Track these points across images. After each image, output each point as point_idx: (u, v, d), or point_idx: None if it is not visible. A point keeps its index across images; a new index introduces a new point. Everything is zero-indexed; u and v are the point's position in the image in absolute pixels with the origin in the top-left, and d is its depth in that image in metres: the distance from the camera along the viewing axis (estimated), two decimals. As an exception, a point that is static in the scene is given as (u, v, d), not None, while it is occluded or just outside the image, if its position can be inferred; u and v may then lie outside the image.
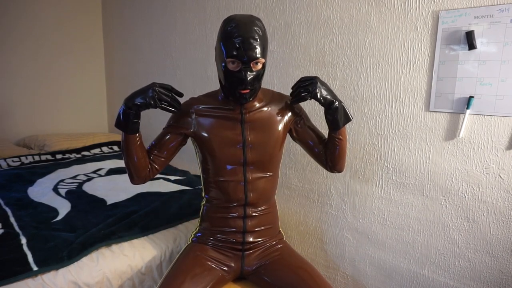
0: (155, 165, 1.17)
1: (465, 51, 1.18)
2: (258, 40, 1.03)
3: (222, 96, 1.18)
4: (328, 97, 1.11)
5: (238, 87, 1.07)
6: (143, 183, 1.18)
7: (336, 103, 1.12)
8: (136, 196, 1.83)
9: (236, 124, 1.17)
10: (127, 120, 1.07)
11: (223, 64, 1.07)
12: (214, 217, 1.25)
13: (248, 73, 1.04)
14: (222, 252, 1.22)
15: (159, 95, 1.05)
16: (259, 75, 1.09)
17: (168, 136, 1.18)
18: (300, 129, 1.23)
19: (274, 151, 1.21)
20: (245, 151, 1.17)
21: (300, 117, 1.23)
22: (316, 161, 1.28)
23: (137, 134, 1.11)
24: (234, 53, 1.02)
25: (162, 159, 1.18)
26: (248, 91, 1.08)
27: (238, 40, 1.01)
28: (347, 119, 1.15)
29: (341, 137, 1.17)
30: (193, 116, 1.18)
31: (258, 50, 1.03)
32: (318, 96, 1.10)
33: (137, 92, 1.07)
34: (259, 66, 1.07)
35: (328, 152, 1.21)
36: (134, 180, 1.17)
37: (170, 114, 1.22)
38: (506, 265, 1.19)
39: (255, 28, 1.04)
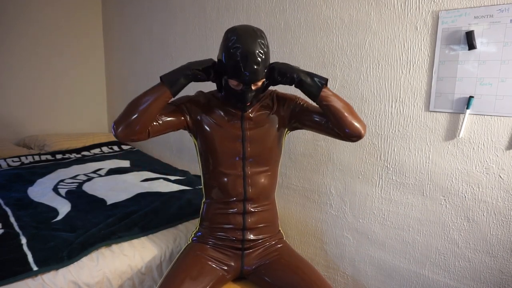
0: (149, 127, 1.12)
1: (465, 51, 1.18)
2: (260, 61, 1.03)
3: (222, 95, 1.20)
4: (285, 76, 1.11)
5: (239, 102, 1.13)
6: (127, 140, 1.13)
7: (295, 76, 1.10)
8: (136, 196, 1.83)
9: (236, 120, 1.20)
10: (182, 79, 1.09)
11: (224, 79, 1.10)
12: (214, 214, 1.25)
13: (249, 93, 1.09)
14: (222, 251, 1.23)
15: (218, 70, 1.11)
16: (258, 91, 1.13)
17: (175, 112, 1.18)
18: (301, 117, 1.21)
19: (272, 145, 1.23)
20: (244, 145, 1.19)
21: (298, 106, 1.22)
22: (332, 137, 1.19)
23: (171, 98, 1.11)
24: (236, 75, 1.05)
25: (158, 126, 1.14)
26: (247, 104, 1.14)
27: (241, 63, 1.01)
28: (320, 84, 1.09)
29: (325, 103, 1.09)
30: (201, 107, 1.21)
31: (260, 73, 1.05)
32: (278, 80, 1.12)
33: (200, 63, 1.11)
34: (259, 84, 1.10)
35: (331, 123, 1.12)
36: (125, 132, 1.09)
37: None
38: (506, 265, 1.19)
39: (258, 50, 1.02)
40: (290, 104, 1.23)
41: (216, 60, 1.14)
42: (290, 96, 1.25)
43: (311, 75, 1.11)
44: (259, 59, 1.02)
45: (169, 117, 1.16)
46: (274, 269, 1.19)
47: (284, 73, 1.10)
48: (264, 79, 1.10)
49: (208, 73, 1.11)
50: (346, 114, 1.09)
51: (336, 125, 1.11)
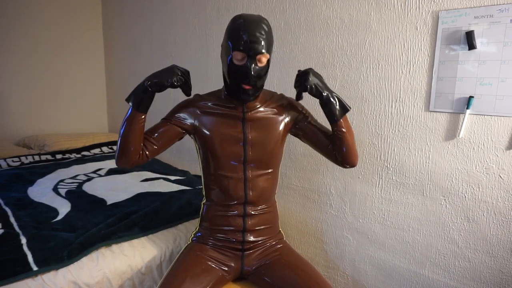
0: (146, 151, 1.15)
1: (465, 51, 1.18)
2: (265, 35, 1.05)
3: (225, 94, 1.20)
4: (318, 88, 1.10)
5: (243, 81, 1.08)
6: (129, 167, 1.16)
7: (326, 93, 1.11)
8: (136, 196, 1.83)
9: (238, 122, 1.18)
10: (143, 96, 1.09)
11: (229, 58, 1.08)
12: (214, 216, 1.25)
13: (253, 66, 1.06)
14: (222, 252, 1.23)
15: (180, 76, 1.10)
16: (264, 71, 1.10)
17: (167, 127, 1.18)
18: (305, 128, 1.23)
19: (274, 149, 1.22)
20: (245, 149, 1.18)
21: (302, 117, 1.23)
22: (327, 158, 1.25)
23: (144, 115, 1.11)
24: (241, 46, 1.04)
25: (155, 147, 1.16)
26: (251, 87, 1.09)
27: (245, 34, 1.03)
28: (344, 110, 1.13)
29: (342, 129, 1.14)
30: (197, 112, 1.20)
31: (264, 45, 1.05)
32: (308, 88, 1.10)
33: (160, 72, 1.10)
34: (264, 61, 1.09)
35: (335, 147, 1.18)
36: (122, 161, 1.13)
37: (170, 107, 1.24)
38: (506, 265, 1.19)
39: (262, 25, 1.06)
40: (295, 111, 1.23)
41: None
42: (295, 103, 1.25)
43: (340, 98, 1.14)
44: (263, 31, 1.05)
45: (164, 135, 1.18)
46: (274, 269, 1.19)
47: (317, 84, 1.10)
48: (269, 57, 1.09)
49: (170, 77, 1.08)
50: (352, 145, 1.18)
51: (340, 151, 1.18)
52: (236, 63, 1.07)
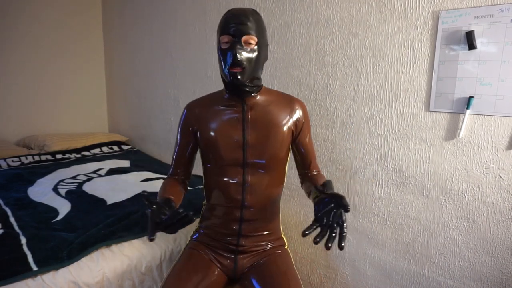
0: (186, 181, 1.31)
1: (465, 51, 1.18)
2: (251, 19, 1.07)
3: (226, 94, 1.18)
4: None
5: (231, 64, 1.05)
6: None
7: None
8: (136, 196, 1.83)
9: (238, 123, 1.15)
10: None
11: (219, 47, 1.09)
12: (212, 217, 1.24)
13: (238, 47, 1.04)
14: (219, 252, 1.22)
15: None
16: (252, 53, 1.07)
17: (188, 149, 1.25)
18: (299, 144, 1.24)
19: (276, 152, 1.17)
20: (245, 152, 1.15)
21: (300, 129, 1.21)
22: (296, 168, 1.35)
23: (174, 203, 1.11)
24: (226, 29, 1.06)
25: (187, 173, 1.31)
26: (238, 69, 1.06)
27: (231, 19, 1.07)
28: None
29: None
30: (196, 117, 1.20)
31: (248, 26, 1.06)
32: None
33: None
34: (252, 45, 1.07)
35: (305, 185, 1.26)
36: None
37: (176, 122, 1.25)
38: (506, 265, 1.19)
39: (249, 12, 1.09)
40: (298, 122, 1.20)
41: None
42: (305, 113, 1.22)
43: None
44: (250, 16, 1.07)
45: (192, 156, 1.27)
46: (263, 275, 1.15)
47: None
48: (257, 40, 1.07)
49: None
50: None
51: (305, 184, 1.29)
52: (223, 47, 1.08)
